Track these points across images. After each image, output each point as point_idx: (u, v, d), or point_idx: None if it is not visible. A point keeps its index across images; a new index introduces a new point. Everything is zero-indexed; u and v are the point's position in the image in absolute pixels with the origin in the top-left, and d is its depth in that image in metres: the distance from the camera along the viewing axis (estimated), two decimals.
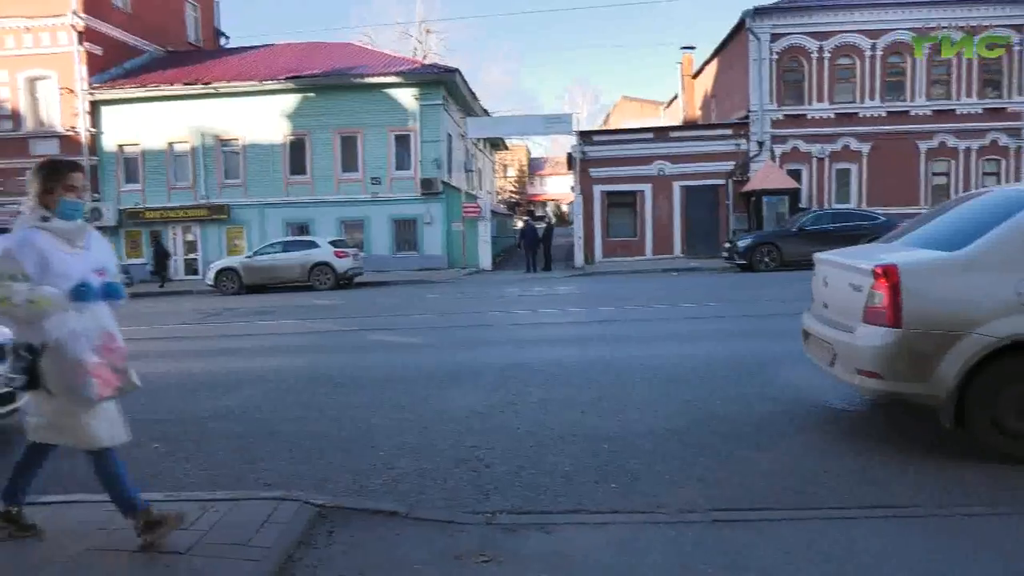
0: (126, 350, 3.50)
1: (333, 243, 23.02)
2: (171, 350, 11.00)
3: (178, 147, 29.33)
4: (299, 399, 6.99)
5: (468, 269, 27.00)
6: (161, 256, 27.00)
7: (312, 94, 28.65)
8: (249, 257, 23.20)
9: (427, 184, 28.03)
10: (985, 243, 4.43)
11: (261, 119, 28.57)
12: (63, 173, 3.33)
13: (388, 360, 9.07)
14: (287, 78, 28.51)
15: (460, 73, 29.22)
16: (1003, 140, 26.87)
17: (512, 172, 68.18)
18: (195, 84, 28.70)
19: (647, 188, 27.65)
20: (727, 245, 23.24)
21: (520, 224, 38.37)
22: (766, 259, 21.07)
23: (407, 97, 28.41)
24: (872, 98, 27.04)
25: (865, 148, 27.08)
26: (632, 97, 62.48)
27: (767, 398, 6.17)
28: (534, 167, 73.83)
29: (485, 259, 28.02)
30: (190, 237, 29.40)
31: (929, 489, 4.08)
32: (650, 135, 28.72)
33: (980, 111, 26.85)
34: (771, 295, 13.89)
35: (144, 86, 28.81)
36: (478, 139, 36.90)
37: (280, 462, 5.01)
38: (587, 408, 6.13)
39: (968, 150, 26.97)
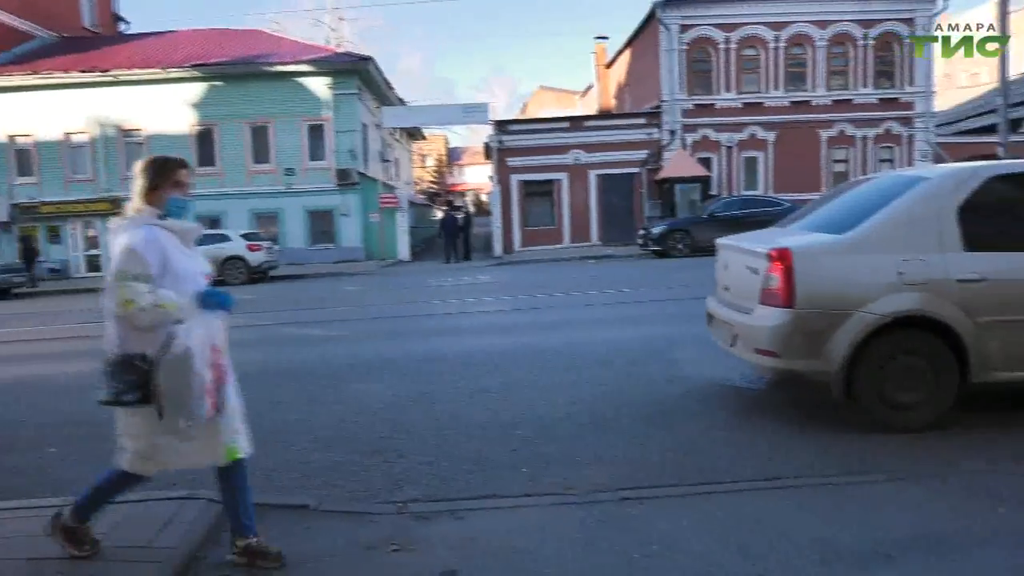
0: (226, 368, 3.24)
1: (246, 236, 22.41)
2: (67, 350, 10.49)
3: (76, 138, 27.94)
4: None
5: (387, 260, 26.75)
6: (29, 254, 25.88)
7: (220, 83, 27.73)
8: None
9: (343, 175, 27.57)
10: (868, 226, 4.70)
11: (165, 109, 27.44)
12: (171, 169, 3.09)
13: (303, 354, 8.93)
14: (193, 66, 27.51)
15: (374, 62, 28.84)
16: (896, 128, 28.35)
17: (431, 162, 67.74)
18: (93, 71, 27.35)
19: (564, 177, 27.97)
20: (642, 232, 23.77)
21: (440, 214, 38.23)
22: (679, 245, 21.63)
23: (320, 86, 27.84)
24: (776, 88, 28.07)
25: (770, 136, 28.12)
26: (549, 87, 63.03)
27: (675, 379, 6.38)
28: (453, 157, 73.55)
29: (404, 250, 27.81)
30: (92, 232, 28.01)
31: (822, 460, 4.31)
32: (566, 124, 29.06)
33: (875, 101, 28.25)
34: (683, 280, 14.29)
35: (36, 73, 27.27)
36: (395, 129, 36.49)
37: None
38: (502, 395, 6.19)
39: (865, 138, 28.34)
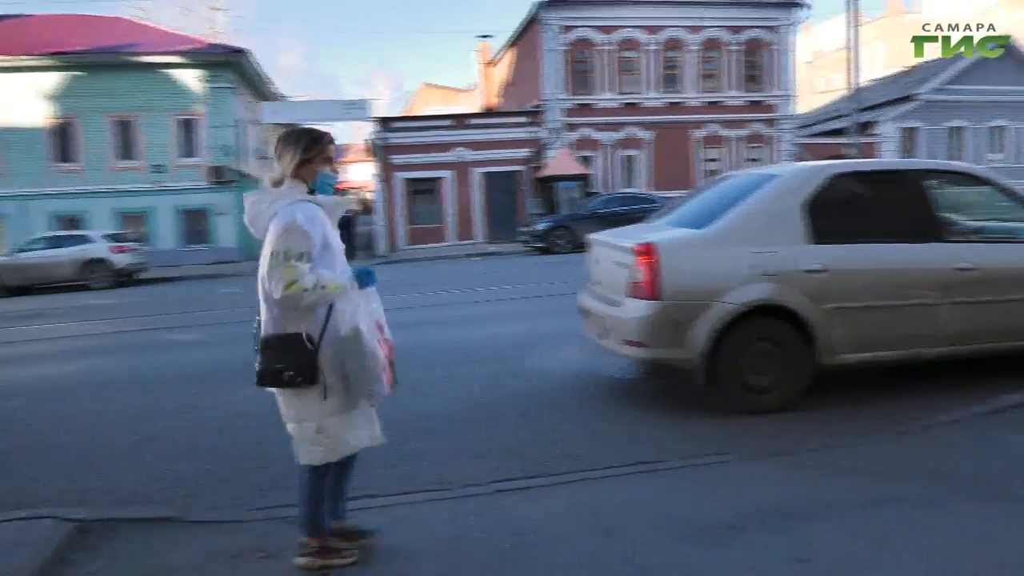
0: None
1: (111, 237, 21.11)
2: None
3: None
4: (69, 408, 6.40)
5: None
6: None
7: (80, 73, 25.96)
8: (9, 255, 20.70)
9: (217, 172, 26.44)
10: (725, 221, 4.99)
11: (17, 100, 25.42)
12: (323, 142, 2.98)
13: (173, 360, 8.52)
14: (48, 54, 25.59)
15: (250, 54, 27.81)
16: (763, 130, 30.05)
17: None
18: None
19: (448, 175, 27.97)
20: (525, 229, 24.10)
21: None
22: (561, 242, 22.05)
23: (192, 79, 26.60)
24: (653, 89, 29.12)
25: (648, 136, 29.16)
26: (434, 84, 62.65)
27: (550, 373, 6.53)
28: (337, 154, 71.98)
29: None
30: None
31: (685, 443, 4.54)
32: (449, 122, 29.07)
33: (744, 103, 29.83)
34: (564, 275, 14.56)
35: None
36: (274, 125, 35.29)
37: (44, 478, 4.58)
38: None
39: (735, 138, 29.88)
